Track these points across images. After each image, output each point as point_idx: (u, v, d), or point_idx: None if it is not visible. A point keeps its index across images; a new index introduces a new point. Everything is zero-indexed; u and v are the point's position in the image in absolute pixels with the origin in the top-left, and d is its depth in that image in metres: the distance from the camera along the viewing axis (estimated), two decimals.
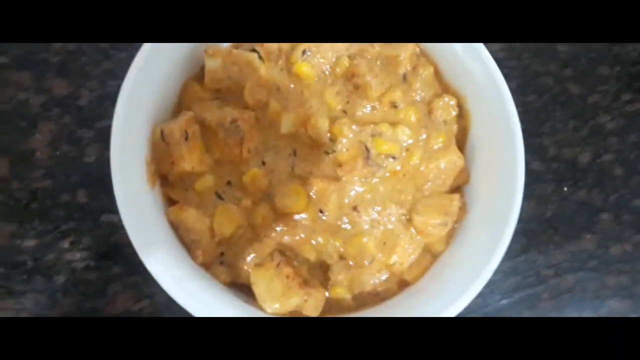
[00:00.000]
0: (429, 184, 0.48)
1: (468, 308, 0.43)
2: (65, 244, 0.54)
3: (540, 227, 0.59)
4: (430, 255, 0.48)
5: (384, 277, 0.47)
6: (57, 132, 0.56)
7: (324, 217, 0.46)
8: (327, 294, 0.45)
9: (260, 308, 0.43)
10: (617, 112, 0.64)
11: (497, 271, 0.53)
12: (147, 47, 0.44)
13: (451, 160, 0.48)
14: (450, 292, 0.43)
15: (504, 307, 0.56)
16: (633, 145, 0.63)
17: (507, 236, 0.44)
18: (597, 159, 0.62)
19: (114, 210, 0.42)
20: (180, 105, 0.49)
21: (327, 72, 0.48)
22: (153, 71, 0.45)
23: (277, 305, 0.42)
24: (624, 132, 0.63)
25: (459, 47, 0.49)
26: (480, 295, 0.49)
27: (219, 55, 0.46)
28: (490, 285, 0.49)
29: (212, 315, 0.40)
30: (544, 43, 0.65)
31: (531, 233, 0.59)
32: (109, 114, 0.56)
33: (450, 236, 0.48)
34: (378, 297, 0.47)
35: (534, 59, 0.65)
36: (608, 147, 0.62)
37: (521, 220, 0.58)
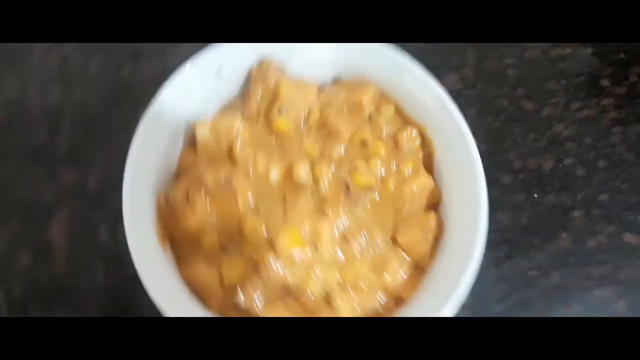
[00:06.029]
0: (406, 206, 0.54)
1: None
2: None
3: (519, 234, 0.63)
4: (419, 271, 0.53)
5: (383, 299, 0.51)
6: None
7: (319, 251, 0.51)
8: None
9: None
10: (570, 120, 0.70)
11: (487, 280, 0.56)
12: (142, 128, 0.51)
13: (421, 182, 0.54)
14: (437, 300, 0.48)
15: (500, 313, 0.59)
16: (589, 147, 0.68)
17: (480, 239, 0.49)
18: (559, 164, 0.67)
19: None
20: (179, 174, 0.55)
21: (301, 124, 0.55)
22: (151, 147, 0.52)
23: None
24: (579, 136, 0.69)
25: (413, 84, 0.56)
26: (474, 306, 0.53)
27: (206, 127, 0.53)
28: (482, 294, 0.53)
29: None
30: (494, 69, 0.72)
31: (511, 240, 0.63)
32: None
33: (434, 251, 0.53)
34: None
35: (487, 85, 0.71)
36: (567, 152, 0.68)
37: (500, 229, 0.63)
